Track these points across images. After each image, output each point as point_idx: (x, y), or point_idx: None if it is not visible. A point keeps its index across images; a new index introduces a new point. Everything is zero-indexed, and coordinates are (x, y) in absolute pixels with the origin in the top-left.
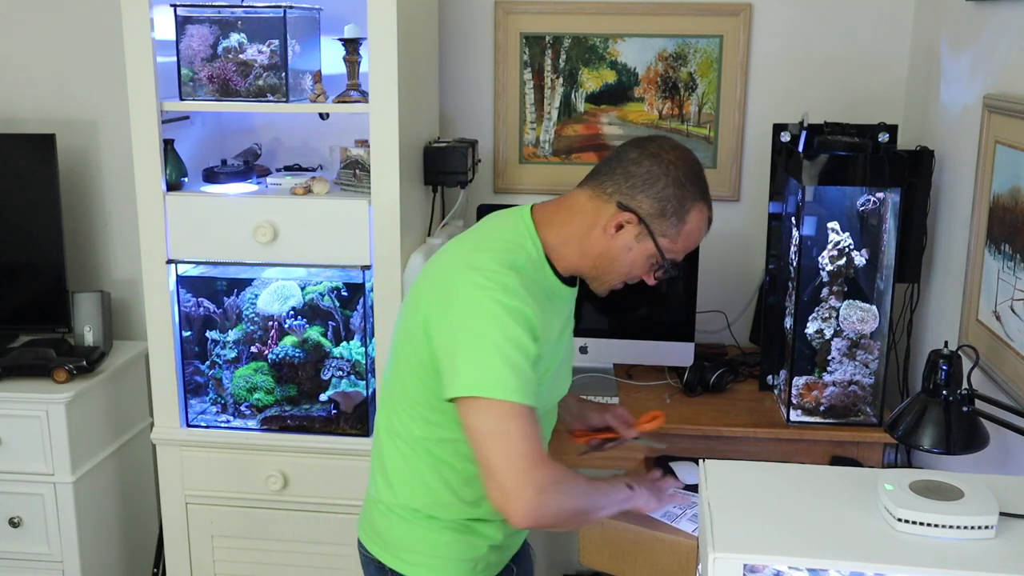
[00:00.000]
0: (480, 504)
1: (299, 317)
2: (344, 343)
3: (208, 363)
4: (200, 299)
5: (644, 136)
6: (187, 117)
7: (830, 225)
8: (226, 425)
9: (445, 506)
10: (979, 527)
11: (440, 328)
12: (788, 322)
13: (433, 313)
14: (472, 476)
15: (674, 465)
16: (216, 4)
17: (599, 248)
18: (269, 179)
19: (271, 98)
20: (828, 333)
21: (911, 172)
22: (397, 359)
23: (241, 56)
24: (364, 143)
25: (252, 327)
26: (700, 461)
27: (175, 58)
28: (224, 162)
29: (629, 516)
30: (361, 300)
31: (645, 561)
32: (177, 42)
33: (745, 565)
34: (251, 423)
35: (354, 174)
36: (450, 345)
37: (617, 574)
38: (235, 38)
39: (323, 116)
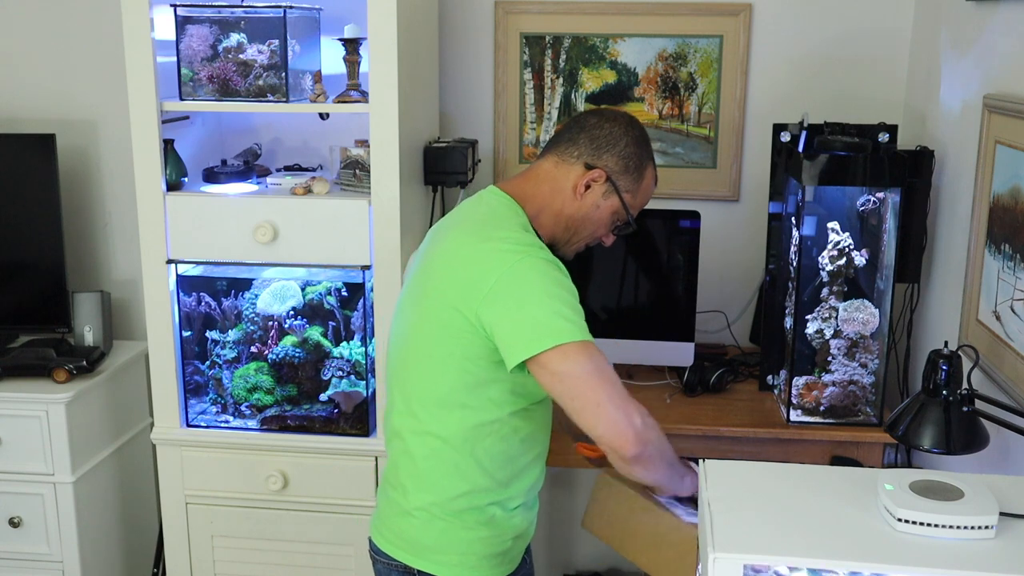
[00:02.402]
0: (511, 484)
1: (299, 317)
2: (344, 343)
3: (208, 363)
4: (200, 298)
5: (594, 108)
6: (187, 117)
7: (830, 225)
8: (226, 425)
9: (482, 492)
10: (979, 527)
11: (488, 307)
12: (788, 322)
13: (470, 298)
14: (506, 457)
15: None
16: (216, 4)
17: (570, 210)
18: (269, 179)
19: (271, 98)
20: (828, 333)
21: (911, 172)
22: (419, 357)
23: (241, 56)
24: (364, 143)
25: (252, 327)
26: (700, 461)
27: (175, 58)
28: (224, 162)
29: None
30: (361, 300)
31: (644, 540)
32: (177, 42)
33: (745, 565)
34: (251, 423)
35: (354, 174)
36: (509, 314)
37: (615, 547)
38: (235, 38)
39: (323, 116)
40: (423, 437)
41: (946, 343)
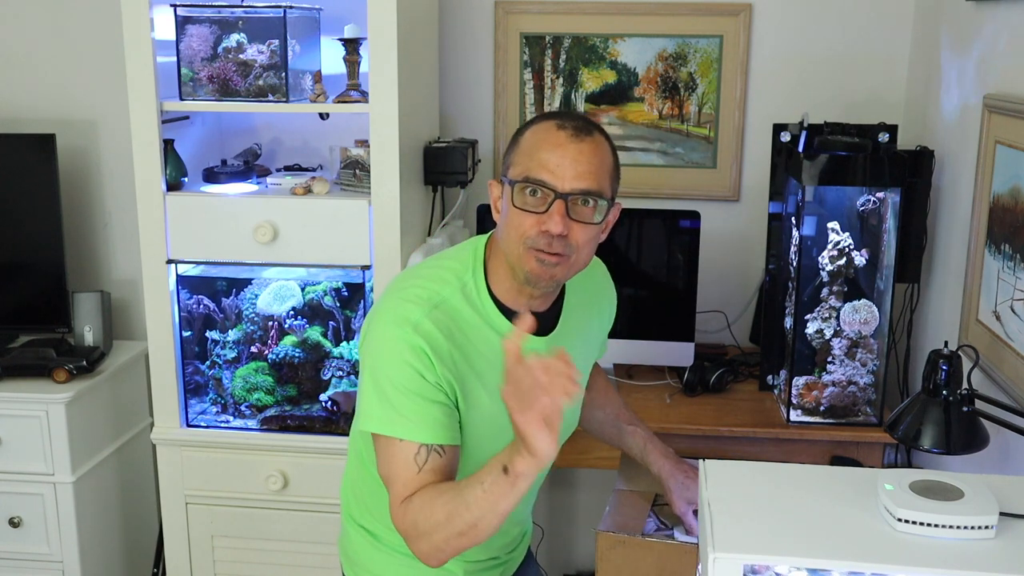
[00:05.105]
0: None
1: (299, 317)
2: (344, 343)
3: (208, 363)
4: (200, 299)
5: None
6: (187, 117)
7: (830, 225)
8: (226, 425)
9: (387, 532)
10: (979, 527)
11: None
12: (788, 322)
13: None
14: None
15: None
16: (216, 4)
17: (499, 232)
18: (269, 179)
19: (271, 98)
20: (828, 333)
21: (911, 172)
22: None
23: (241, 56)
24: (364, 143)
25: (252, 327)
26: (700, 461)
27: (175, 58)
28: (224, 162)
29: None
30: (361, 300)
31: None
32: (177, 42)
33: (745, 565)
34: (251, 423)
35: (354, 174)
36: (361, 378)
37: None
38: (235, 38)
39: (323, 116)
40: (352, 454)
41: (946, 343)
